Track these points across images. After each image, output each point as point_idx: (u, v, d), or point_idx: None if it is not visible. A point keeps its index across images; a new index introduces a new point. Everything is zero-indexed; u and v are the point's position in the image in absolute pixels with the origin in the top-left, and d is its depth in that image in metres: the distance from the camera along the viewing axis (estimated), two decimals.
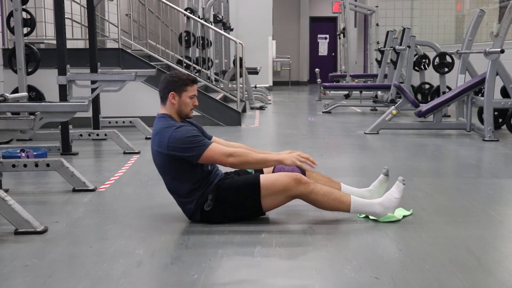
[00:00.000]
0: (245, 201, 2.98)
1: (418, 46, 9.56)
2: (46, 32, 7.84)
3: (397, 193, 3.04)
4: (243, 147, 3.20)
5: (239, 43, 8.50)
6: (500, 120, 6.65)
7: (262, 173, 3.19)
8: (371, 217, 3.06)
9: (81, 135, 5.55)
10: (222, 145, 3.09)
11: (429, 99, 8.68)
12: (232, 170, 3.21)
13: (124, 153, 5.23)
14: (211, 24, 9.54)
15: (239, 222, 3.04)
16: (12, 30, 6.00)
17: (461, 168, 4.71)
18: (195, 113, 7.28)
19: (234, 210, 3.00)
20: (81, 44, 8.50)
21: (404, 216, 3.10)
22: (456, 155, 5.28)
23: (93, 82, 5.86)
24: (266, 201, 2.97)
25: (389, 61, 9.92)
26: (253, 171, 3.22)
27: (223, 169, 3.19)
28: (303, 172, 3.21)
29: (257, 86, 11.60)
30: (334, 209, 3.04)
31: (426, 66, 9.51)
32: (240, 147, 3.18)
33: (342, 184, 3.34)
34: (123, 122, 6.33)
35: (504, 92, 6.49)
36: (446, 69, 8.48)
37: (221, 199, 2.97)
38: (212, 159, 2.92)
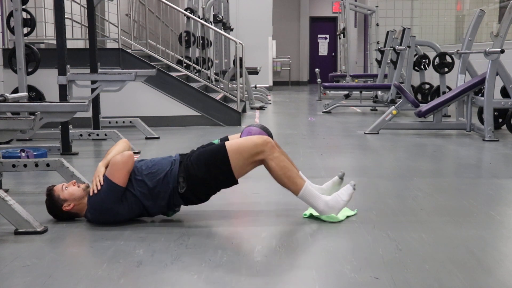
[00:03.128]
0: (217, 174, 2.96)
1: (418, 46, 9.57)
2: (46, 32, 7.84)
3: (346, 196, 3.04)
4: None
5: (239, 43, 8.50)
6: (500, 120, 6.65)
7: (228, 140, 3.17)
8: (314, 214, 3.07)
9: (81, 135, 5.55)
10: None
11: (429, 99, 8.69)
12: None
13: None
14: (211, 24, 9.54)
15: (238, 222, 3.04)
16: (12, 30, 6.00)
17: (461, 168, 4.71)
18: (195, 113, 7.38)
19: (208, 185, 2.99)
20: (81, 44, 8.50)
21: (347, 217, 3.09)
22: (456, 155, 5.28)
23: (93, 82, 5.86)
24: (236, 167, 2.95)
25: (389, 61, 9.93)
26: (218, 141, 3.20)
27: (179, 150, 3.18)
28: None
29: (257, 86, 11.61)
30: (285, 186, 3.03)
31: (426, 66, 9.51)
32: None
33: (300, 172, 3.31)
34: (123, 122, 6.33)
35: (504, 92, 6.49)
36: (446, 69, 8.48)
37: (192, 178, 2.96)
38: (123, 169, 2.92)
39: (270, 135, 3.21)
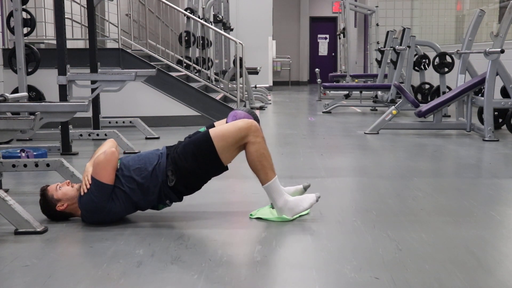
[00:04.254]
0: (205, 163, 2.95)
1: (418, 46, 9.56)
2: (46, 32, 7.84)
3: (307, 204, 3.03)
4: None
5: (239, 43, 8.50)
6: (500, 120, 6.65)
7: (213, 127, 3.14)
8: (262, 216, 3.06)
9: (81, 135, 5.55)
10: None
11: (429, 99, 8.68)
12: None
13: (124, 153, 5.23)
14: (211, 24, 9.54)
15: (238, 222, 3.04)
16: (12, 30, 5.99)
17: (461, 168, 4.71)
18: (195, 113, 7.38)
19: (197, 175, 2.98)
20: (81, 44, 8.50)
21: (300, 215, 3.08)
22: (456, 155, 5.28)
23: (93, 82, 5.86)
24: (222, 153, 2.94)
25: (389, 61, 9.92)
26: (205, 129, 3.15)
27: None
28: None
29: (257, 86, 11.60)
30: (256, 172, 3.01)
31: (426, 66, 9.51)
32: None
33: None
34: (123, 122, 6.33)
35: (504, 92, 6.49)
36: (446, 69, 8.48)
37: (181, 170, 2.95)
38: (108, 166, 2.92)
39: (256, 118, 3.18)
